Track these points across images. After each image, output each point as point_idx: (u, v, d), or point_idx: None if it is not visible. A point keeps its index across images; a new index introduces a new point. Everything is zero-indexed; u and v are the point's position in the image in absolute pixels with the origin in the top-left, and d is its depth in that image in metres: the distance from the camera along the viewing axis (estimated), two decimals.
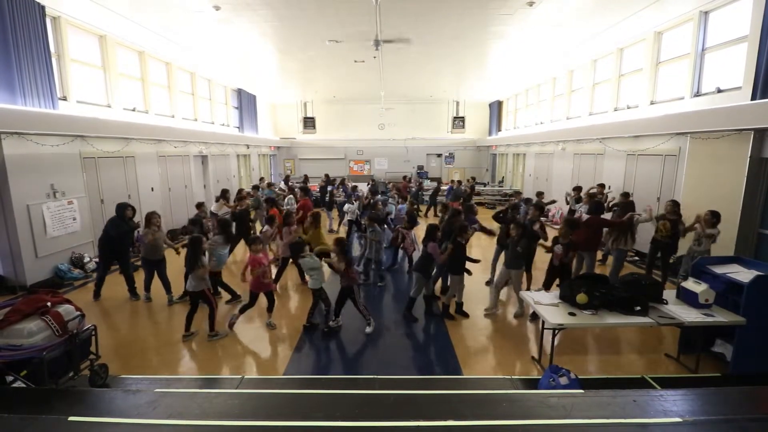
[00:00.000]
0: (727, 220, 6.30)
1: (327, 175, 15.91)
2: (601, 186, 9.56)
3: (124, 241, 6.63)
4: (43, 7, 7.22)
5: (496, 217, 7.47)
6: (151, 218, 6.45)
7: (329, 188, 14.24)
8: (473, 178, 17.97)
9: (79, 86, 8.56)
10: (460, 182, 14.87)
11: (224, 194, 9.92)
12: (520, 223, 6.13)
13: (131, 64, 10.45)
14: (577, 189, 9.97)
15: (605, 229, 7.07)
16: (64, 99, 8.06)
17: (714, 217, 5.98)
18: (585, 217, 6.93)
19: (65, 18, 8.03)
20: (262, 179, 15.85)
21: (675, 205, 6.69)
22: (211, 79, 14.99)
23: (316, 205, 13.63)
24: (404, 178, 17.02)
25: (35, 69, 7.06)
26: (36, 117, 6.82)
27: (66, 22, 8.10)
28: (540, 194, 10.56)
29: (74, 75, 8.37)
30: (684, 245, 6.66)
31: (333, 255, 5.54)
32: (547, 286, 5.87)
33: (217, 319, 5.53)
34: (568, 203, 10.07)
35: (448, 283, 6.28)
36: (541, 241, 6.54)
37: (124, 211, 6.65)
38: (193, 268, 5.21)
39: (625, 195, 8.28)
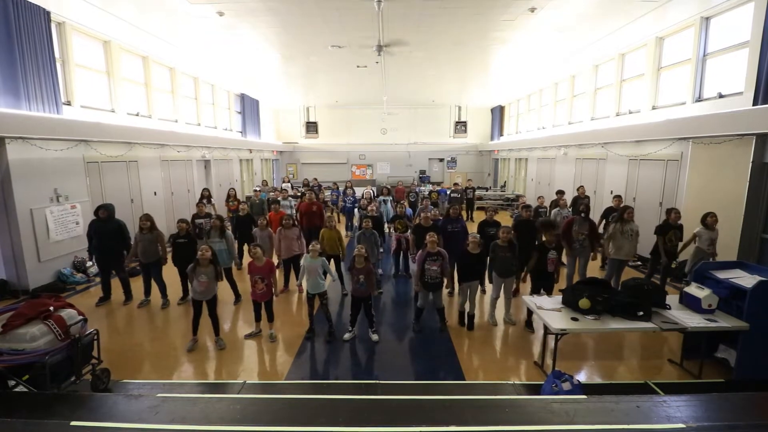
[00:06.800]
0: (729, 225, 6.29)
1: (316, 179, 15.90)
2: (579, 189, 9.70)
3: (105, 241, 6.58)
4: (48, 13, 7.28)
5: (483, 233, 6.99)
6: (139, 221, 6.60)
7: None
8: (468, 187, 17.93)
9: (84, 91, 8.61)
10: (457, 185, 15.17)
11: (203, 195, 10.34)
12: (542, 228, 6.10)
13: (135, 69, 10.52)
14: (560, 192, 9.31)
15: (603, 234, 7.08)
16: (68, 104, 8.10)
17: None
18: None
19: (70, 24, 8.10)
20: (264, 182, 15.94)
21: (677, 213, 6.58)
22: (215, 84, 15.08)
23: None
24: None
25: (40, 74, 7.11)
26: (40, 122, 6.86)
27: (71, 28, 8.16)
28: (542, 202, 10.47)
29: (78, 80, 8.43)
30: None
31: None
32: (535, 291, 5.76)
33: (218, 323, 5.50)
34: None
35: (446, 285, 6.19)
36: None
37: (97, 211, 6.62)
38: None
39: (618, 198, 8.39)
